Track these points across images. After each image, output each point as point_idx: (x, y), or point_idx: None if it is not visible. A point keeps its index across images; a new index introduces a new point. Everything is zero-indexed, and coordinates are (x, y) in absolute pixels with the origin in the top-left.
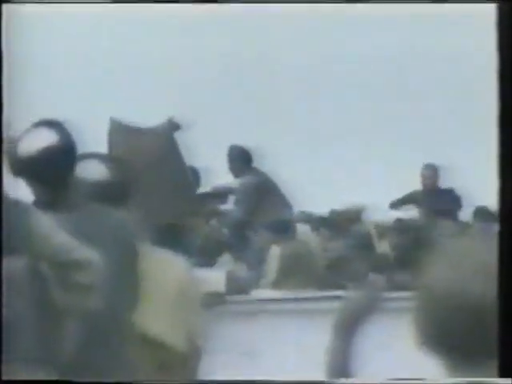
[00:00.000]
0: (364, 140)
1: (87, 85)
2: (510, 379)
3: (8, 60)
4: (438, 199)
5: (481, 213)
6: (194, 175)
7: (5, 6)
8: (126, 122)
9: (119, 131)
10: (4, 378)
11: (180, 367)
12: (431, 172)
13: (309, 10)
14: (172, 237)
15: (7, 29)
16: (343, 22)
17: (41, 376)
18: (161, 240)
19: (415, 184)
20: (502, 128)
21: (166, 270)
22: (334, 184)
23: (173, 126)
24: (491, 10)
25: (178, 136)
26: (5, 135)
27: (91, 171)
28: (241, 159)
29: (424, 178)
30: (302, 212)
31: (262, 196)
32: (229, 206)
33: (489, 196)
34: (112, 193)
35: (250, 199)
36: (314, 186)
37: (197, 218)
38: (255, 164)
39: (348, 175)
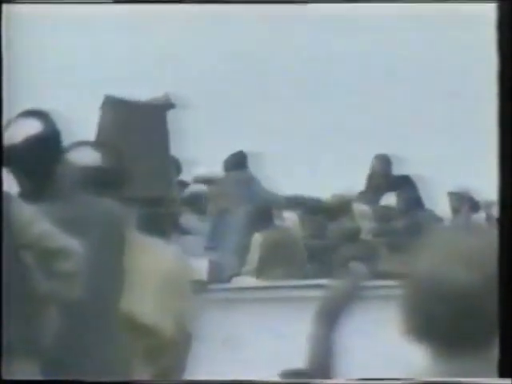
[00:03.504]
0: (358, 131)
1: (87, 84)
2: (509, 379)
3: (8, 60)
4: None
5: (453, 199)
6: (174, 164)
7: (5, 6)
8: (119, 97)
9: (111, 104)
10: (4, 377)
11: (170, 353)
12: (382, 162)
13: (309, 10)
14: (158, 224)
15: (7, 29)
16: (343, 21)
17: (24, 365)
18: (148, 227)
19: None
20: (502, 127)
21: (155, 256)
22: (323, 172)
23: (167, 103)
24: (491, 9)
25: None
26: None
27: (84, 158)
28: (238, 164)
29: (374, 167)
30: (290, 199)
31: (242, 188)
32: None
33: (489, 191)
34: (105, 179)
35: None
36: (304, 174)
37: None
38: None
39: (338, 163)
